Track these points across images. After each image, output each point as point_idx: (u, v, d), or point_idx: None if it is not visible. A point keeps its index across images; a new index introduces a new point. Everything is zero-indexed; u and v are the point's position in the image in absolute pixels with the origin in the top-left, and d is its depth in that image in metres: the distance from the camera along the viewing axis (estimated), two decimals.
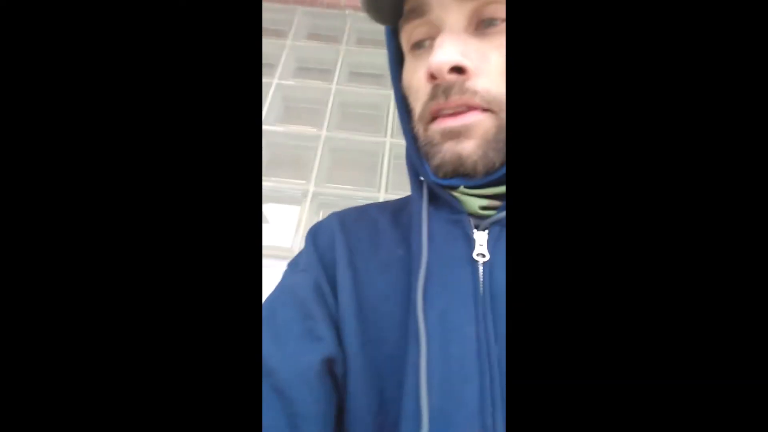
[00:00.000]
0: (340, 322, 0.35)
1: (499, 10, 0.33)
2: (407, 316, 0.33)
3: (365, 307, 0.35)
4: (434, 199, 0.38)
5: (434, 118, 0.35)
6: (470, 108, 0.33)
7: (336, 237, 0.41)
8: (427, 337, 0.30)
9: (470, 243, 0.34)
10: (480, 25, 0.34)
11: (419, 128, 0.37)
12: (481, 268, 0.33)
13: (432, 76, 0.33)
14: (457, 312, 0.31)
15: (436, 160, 0.36)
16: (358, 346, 0.33)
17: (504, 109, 0.33)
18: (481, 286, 0.32)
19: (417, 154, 0.38)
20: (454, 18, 0.33)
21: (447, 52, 0.32)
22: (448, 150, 0.34)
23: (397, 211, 0.44)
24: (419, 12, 0.35)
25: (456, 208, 0.37)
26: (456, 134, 0.34)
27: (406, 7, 0.36)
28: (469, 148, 0.34)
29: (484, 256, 0.34)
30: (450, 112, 0.34)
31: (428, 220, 0.36)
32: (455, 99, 0.33)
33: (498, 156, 0.34)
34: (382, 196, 1.42)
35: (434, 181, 0.37)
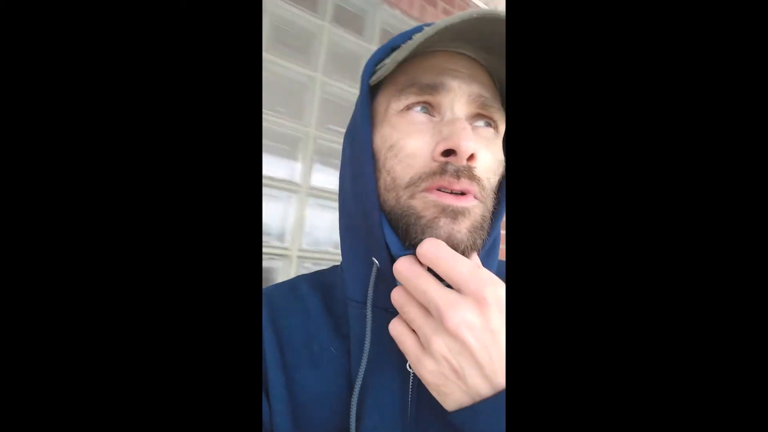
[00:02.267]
0: (275, 428, 0.37)
1: (494, 115, 0.37)
2: (339, 425, 0.36)
3: (298, 413, 0.37)
4: (376, 287, 0.37)
5: (428, 190, 0.34)
6: (469, 193, 0.35)
7: (265, 328, 0.41)
8: None
9: None
10: (478, 122, 0.37)
11: (402, 193, 0.35)
12: (411, 379, 0.36)
13: (447, 153, 0.34)
14: (386, 428, 0.35)
15: (425, 234, 0.33)
16: None
17: (488, 201, 0.37)
18: (409, 394, 0.36)
19: (380, 219, 0.36)
20: (462, 107, 0.36)
21: (472, 137, 0.33)
22: (445, 227, 0.33)
23: (330, 288, 0.44)
24: (432, 91, 0.36)
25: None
26: (455, 214, 0.34)
27: (421, 80, 0.36)
28: (463, 231, 0.34)
29: None
30: (449, 191, 0.34)
31: (371, 321, 0.36)
32: (465, 183, 0.34)
33: (479, 241, 0.36)
34: None
35: (399, 256, 0.34)
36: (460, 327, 0.29)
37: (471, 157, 0.34)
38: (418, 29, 0.36)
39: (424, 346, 0.30)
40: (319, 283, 0.45)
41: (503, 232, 0.95)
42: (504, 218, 0.39)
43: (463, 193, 0.35)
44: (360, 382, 0.35)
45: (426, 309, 0.31)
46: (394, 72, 0.38)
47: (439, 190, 0.34)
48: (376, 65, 0.39)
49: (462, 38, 0.36)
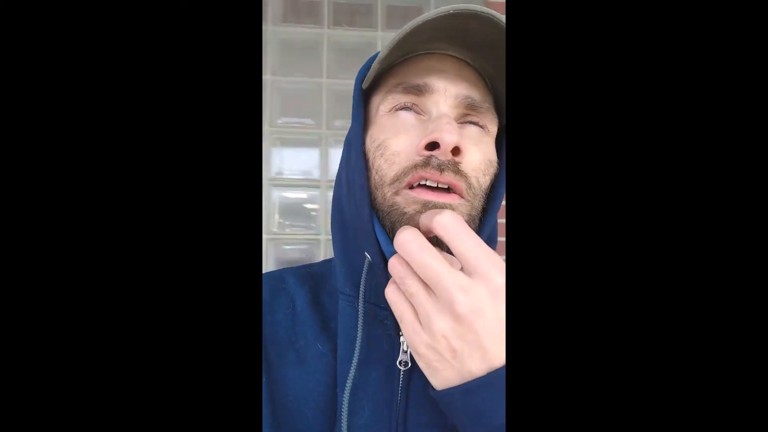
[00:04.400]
0: None
1: (482, 118, 0.38)
2: (325, 423, 0.36)
3: (279, 414, 0.36)
4: (367, 282, 0.37)
5: (411, 186, 0.35)
6: (453, 191, 0.35)
7: None
8: None
9: (395, 347, 0.36)
10: (463, 121, 0.38)
11: (387, 190, 0.36)
12: (401, 376, 0.36)
13: (431, 146, 0.34)
14: (376, 425, 0.35)
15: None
16: None
17: (476, 200, 0.37)
18: (399, 393, 0.36)
19: (371, 216, 0.36)
20: (449, 107, 0.37)
21: (456, 131, 0.33)
22: (424, 222, 0.33)
23: (319, 282, 0.44)
24: (418, 91, 0.37)
25: (385, 301, 0.35)
26: (437, 210, 0.34)
27: (408, 81, 0.37)
28: None
29: (407, 364, 0.36)
30: (434, 185, 0.35)
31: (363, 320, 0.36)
32: (449, 176, 0.34)
33: None
34: None
35: (388, 252, 0.35)
36: (470, 313, 0.28)
37: (456, 151, 0.34)
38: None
39: (423, 322, 0.30)
40: (308, 275, 0.45)
41: (502, 221, 0.95)
42: (496, 218, 0.39)
43: (448, 189, 0.35)
44: (351, 378, 0.35)
45: (427, 284, 0.30)
46: (385, 75, 0.39)
47: (422, 185, 0.35)
48: (369, 70, 0.39)
49: (446, 38, 0.36)
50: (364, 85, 0.40)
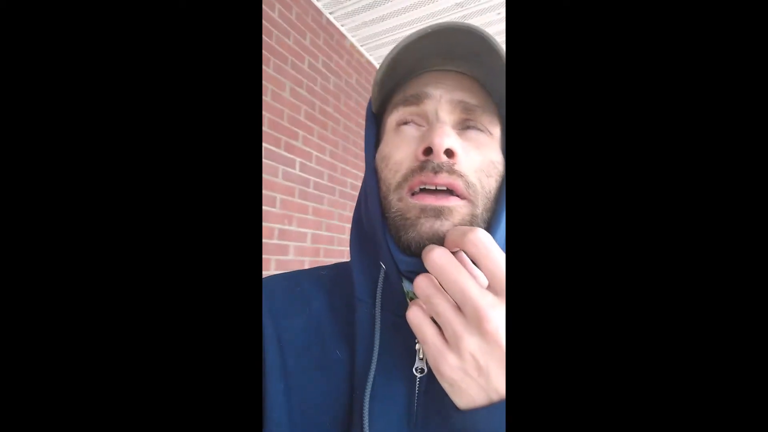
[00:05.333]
0: None
1: (482, 121, 0.39)
2: (342, 430, 0.36)
3: (296, 421, 0.36)
4: (384, 290, 0.38)
5: (413, 192, 0.37)
6: (452, 192, 0.36)
7: (266, 325, 0.40)
8: None
9: (411, 355, 0.37)
10: (463, 126, 0.39)
11: (392, 198, 0.38)
12: (417, 383, 0.36)
13: (427, 151, 0.36)
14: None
15: (410, 233, 0.35)
16: None
17: (479, 201, 0.37)
18: (415, 401, 0.36)
19: (383, 226, 0.38)
20: (446, 114, 0.38)
21: (448, 134, 0.35)
22: (426, 224, 0.35)
23: (333, 287, 0.44)
24: (416, 100, 0.39)
25: (401, 309, 0.36)
26: (437, 213, 0.35)
27: (406, 93, 0.40)
28: (447, 226, 0.35)
29: (423, 371, 0.36)
30: (433, 188, 0.36)
31: (380, 325, 0.37)
32: (444, 177, 0.35)
33: None
34: None
35: (399, 260, 0.36)
36: (498, 330, 0.28)
37: (449, 153, 0.35)
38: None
39: (451, 341, 0.30)
40: (321, 280, 0.45)
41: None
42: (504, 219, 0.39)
43: (447, 190, 0.36)
44: (370, 386, 0.35)
45: (455, 303, 0.30)
46: (393, 94, 0.42)
47: (422, 190, 0.36)
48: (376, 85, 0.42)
49: (437, 54, 0.38)
50: (374, 109, 0.43)
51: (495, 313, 0.29)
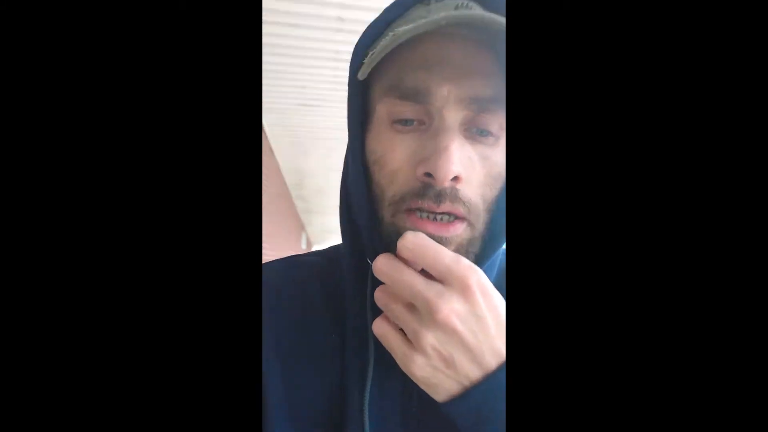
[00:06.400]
0: (269, 421, 0.36)
1: (491, 122, 0.33)
2: (338, 424, 0.36)
3: (293, 413, 0.37)
4: (374, 285, 0.36)
5: (411, 211, 0.34)
6: (455, 219, 0.33)
7: (266, 310, 0.40)
8: None
9: None
10: (472, 130, 0.34)
11: (385, 212, 0.35)
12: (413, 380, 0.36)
13: (429, 174, 0.32)
14: (394, 426, 0.36)
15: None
16: None
17: (479, 220, 0.34)
18: (414, 401, 0.36)
19: (373, 233, 0.36)
20: (453, 118, 0.33)
21: (455, 161, 0.31)
22: None
23: (328, 274, 0.43)
24: (416, 97, 0.33)
25: None
26: (437, 241, 0.32)
27: (402, 84, 0.33)
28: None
29: None
30: (432, 217, 0.33)
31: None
32: (447, 206, 0.32)
33: (470, 257, 0.34)
34: None
35: None
36: (450, 316, 0.29)
37: (455, 178, 0.32)
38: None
39: (413, 340, 0.30)
40: (316, 268, 0.44)
41: None
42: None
43: (447, 214, 0.33)
44: (369, 385, 0.35)
45: (409, 305, 0.31)
46: (384, 58, 0.33)
47: (420, 218, 0.33)
48: (367, 49, 0.34)
49: (451, 25, 0.32)
50: (361, 76, 0.34)
51: (443, 301, 0.29)
